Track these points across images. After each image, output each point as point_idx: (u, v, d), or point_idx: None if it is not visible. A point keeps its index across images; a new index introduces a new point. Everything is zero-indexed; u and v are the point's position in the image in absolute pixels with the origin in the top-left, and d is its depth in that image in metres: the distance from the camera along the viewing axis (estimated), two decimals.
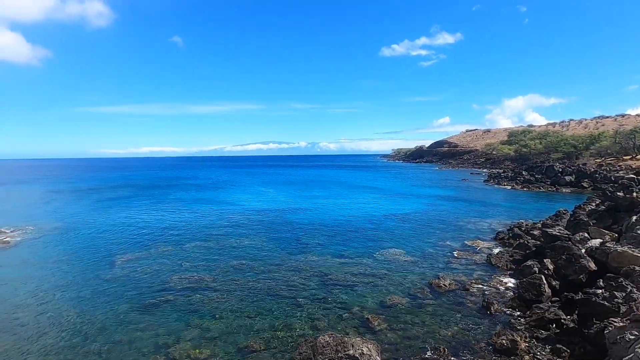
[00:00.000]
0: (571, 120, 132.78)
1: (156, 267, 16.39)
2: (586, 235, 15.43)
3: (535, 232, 19.07)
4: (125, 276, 15.20)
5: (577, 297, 10.32)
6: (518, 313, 10.96)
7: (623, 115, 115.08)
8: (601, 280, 10.24)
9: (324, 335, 8.82)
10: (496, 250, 17.85)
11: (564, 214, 21.77)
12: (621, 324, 7.04)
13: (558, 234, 15.62)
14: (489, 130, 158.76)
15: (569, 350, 8.42)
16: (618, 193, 17.23)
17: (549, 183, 49.32)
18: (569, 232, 16.31)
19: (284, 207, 35.06)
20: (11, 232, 23.92)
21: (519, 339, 9.02)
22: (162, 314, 11.57)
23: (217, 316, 11.34)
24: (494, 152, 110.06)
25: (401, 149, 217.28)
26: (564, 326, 9.50)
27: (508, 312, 11.15)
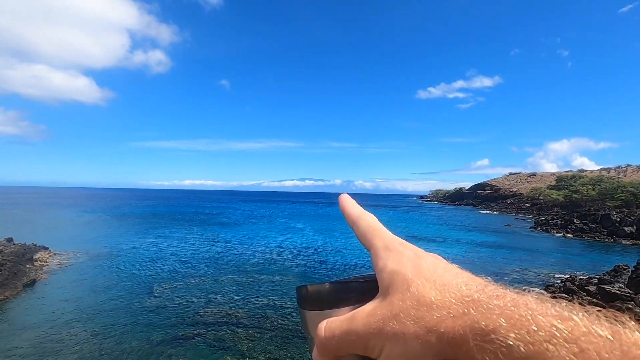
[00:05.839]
0: (628, 165, 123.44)
1: (192, 298, 16.74)
2: None
3: (591, 289, 17.35)
4: (162, 305, 15.64)
5: None
6: None
7: None
8: None
9: None
10: None
11: (624, 269, 19.73)
12: None
13: (618, 292, 14.18)
14: (534, 174, 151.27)
15: None
16: None
17: (605, 233, 45.32)
18: (630, 291, 14.72)
19: (319, 244, 34.86)
20: (65, 255, 25.74)
21: None
22: (194, 348, 11.66)
23: (246, 356, 11.22)
24: (541, 197, 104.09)
25: (440, 190, 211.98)
26: None
27: None
